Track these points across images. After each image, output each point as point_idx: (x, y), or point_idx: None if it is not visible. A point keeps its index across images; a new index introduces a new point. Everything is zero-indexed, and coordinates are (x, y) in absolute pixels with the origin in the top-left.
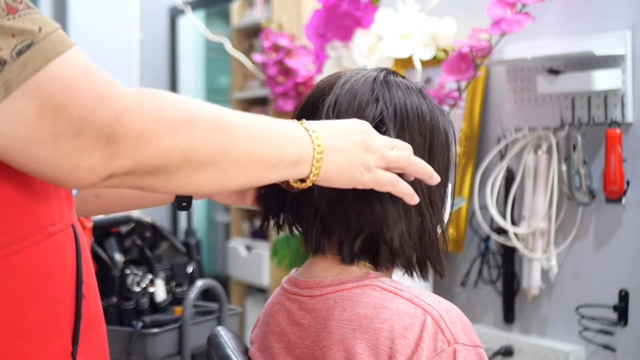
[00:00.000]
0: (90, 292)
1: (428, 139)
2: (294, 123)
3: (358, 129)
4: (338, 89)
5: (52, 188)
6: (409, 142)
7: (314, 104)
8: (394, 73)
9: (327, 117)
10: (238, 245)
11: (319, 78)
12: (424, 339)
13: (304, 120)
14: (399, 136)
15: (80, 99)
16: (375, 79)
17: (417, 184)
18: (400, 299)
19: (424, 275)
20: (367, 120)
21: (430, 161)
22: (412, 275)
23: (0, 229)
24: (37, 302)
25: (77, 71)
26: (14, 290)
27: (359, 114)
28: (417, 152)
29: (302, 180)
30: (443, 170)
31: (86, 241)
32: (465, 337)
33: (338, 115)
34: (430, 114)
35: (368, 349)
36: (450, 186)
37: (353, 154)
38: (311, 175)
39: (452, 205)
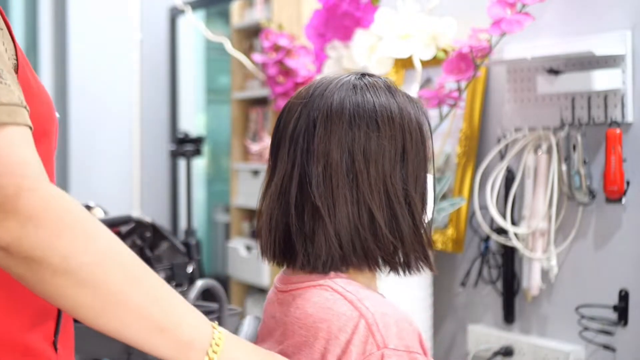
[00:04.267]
0: None
1: (400, 141)
2: (203, 316)
3: None
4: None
5: None
6: (379, 150)
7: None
8: (362, 75)
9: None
10: (238, 245)
11: (319, 78)
12: (353, 341)
13: (217, 323)
14: (366, 141)
15: None
16: (342, 84)
17: (393, 183)
18: (344, 300)
19: (411, 272)
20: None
21: (404, 163)
22: (398, 273)
23: None
24: (26, 293)
25: (10, 142)
26: (8, 278)
27: (334, 118)
28: (389, 158)
29: None
30: (420, 166)
31: None
32: (398, 342)
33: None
34: (400, 112)
35: (307, 348)
36: (430, 179)
37: None
38: None
39: (435, 197)
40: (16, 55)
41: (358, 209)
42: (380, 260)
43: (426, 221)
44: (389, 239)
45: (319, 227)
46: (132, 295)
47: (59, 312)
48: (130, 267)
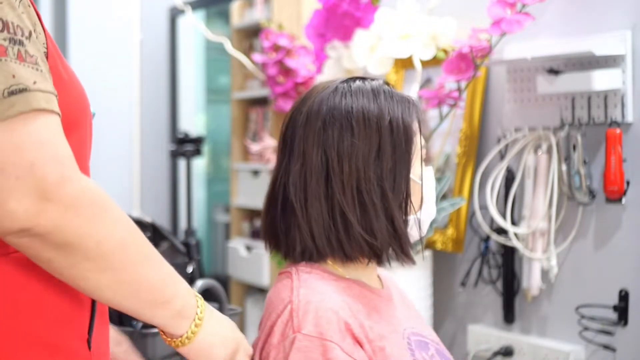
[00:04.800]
0: None
1: (375, 141)
2: (187, 284)
3: (234, 339)
4: (306, 104)
5: None
6: (352, 149)
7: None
8: (352, 79)
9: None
10: (238, 245)
11: (319, 78)
12: (277, 323)
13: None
14: (340, 141)
15: (39, 150)
16: (328, 88)
17: (366, 180)
18: (290, 287)
19: (390, 264)
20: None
21: (379, 161)
22: (379, 265)
23: None
24: (60, 290)
25: (50, 130)
26: (40, 275)
27: (312, 124)
28: (363, 157)
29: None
30: (401, 164)
31: None
32: (313, 328)
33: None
34: (379, 114)
35: (261, 328)
36: (417, 174)
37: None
38: (187, 334)
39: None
40: (46, 43)
41: (330, 205)
42: (357, 253)
43: (417, 217)
44: (361, 234)
45: (293, 221)
46: (146, 273)
47: (92, 309)
48: (142, 246)
